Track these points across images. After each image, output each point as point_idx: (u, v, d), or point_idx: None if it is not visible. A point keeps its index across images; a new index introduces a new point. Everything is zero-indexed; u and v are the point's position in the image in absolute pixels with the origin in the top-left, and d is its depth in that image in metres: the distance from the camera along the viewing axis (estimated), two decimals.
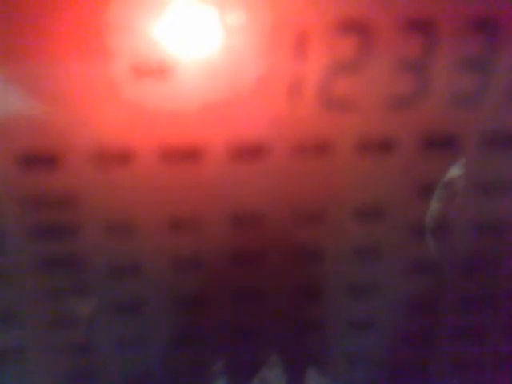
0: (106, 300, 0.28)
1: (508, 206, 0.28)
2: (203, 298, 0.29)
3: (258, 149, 0.25)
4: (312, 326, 0.31)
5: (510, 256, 0.29)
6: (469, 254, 0.29)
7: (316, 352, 0.33)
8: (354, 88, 0.24)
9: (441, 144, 0.25)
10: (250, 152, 0.25)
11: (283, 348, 0.32)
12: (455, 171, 0.28)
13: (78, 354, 0.30)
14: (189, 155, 0.25)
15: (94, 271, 0.27)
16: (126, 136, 0.25)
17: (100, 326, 0.29)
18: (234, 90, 0.24)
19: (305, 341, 0.31)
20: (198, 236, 0.27)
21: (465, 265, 0.29)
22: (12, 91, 0.24)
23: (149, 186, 0.26)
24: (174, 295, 0.29)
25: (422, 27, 0.23)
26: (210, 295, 0.29)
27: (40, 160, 0.24)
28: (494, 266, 0.29)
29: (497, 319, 0.30)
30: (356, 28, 0.23)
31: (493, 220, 0.28)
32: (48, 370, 0.30)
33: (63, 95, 0.24)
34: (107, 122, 0.25)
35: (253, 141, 0.25)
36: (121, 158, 0.25)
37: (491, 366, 0.31)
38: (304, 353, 0.32)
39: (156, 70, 0.23)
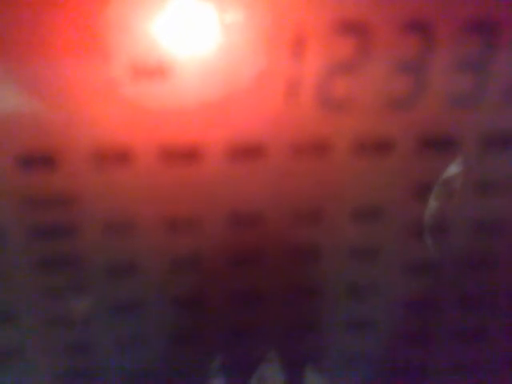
0: (105, 299, 0.28)
1: (504, 204, 0.28)
2: (201, 296, 0.29)
3: (256, 148, 0.25)
4: (310, 325, 0.31)
5: (508, 253, 0.29)
6: (467, 252, 0.29)
7: (314, 350, 0.33)
8: (352, 88, 0.24)
9: (438, 144, 0.25)
10: (248, 151, 0.25)
11: (281, 346, 0.33)
12: (453, 169, 0.28)
13: (75, 353, 0.30)
14: (187, 154, 0.25)
15: (92, 270, 0.27)
16: (125, 135, 0.25)
17: (98, 325, 0.30)
18: (233, 90, 0.24)
19: (303, 339, 0.31)
20: (196, 235, 0.27)
21: (463, 262, 0.29)
22: (11, 91, 0.24)
23: (147, 185, 0.26)
24: (172, 294, 0.29)
25: (419, 29, 0.23)
26: (209, 294, 0.29)
27: (39, 159, 0.24)
28: (492, 263, 0.29)
29: (496, 318, 0.31)
30: (354, 29, 0.23)
31: (490, 218, 0.28)
32: (44, 368, 0.30)
33: (62, 95, 0.24)
34: (106, 122, 0.25)
35: (251, 140, 0.25)
36: (119, 157, 0.25)
37: (490, 365, 0.31)
38: (302, 351, 0.33)
39: (155, 70, 0.23)
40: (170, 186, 0.26)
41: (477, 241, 0.28)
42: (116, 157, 0.24)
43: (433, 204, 0.29)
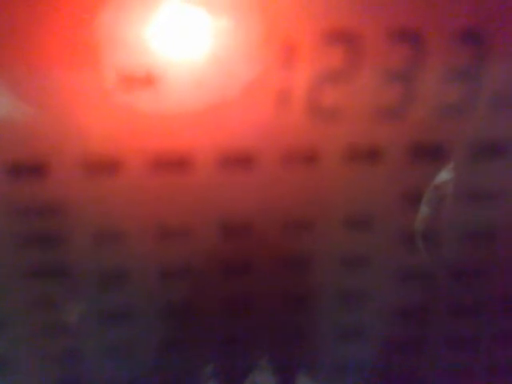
0: (97, 308, 0.28)
1: (496, 212, 0.28)
2: (194, 303, 0.29)
3: (246, 157, 0.25)
4: (302, 332, 0.31)
5: (502, 260, 0.29)
6: (459, 258, 0.29)
7: (306, 357, 0.33)
8: (342, 97, 0.24)
9: (428, 153, 0.26)
10: (238, 160, 0.25)
11: (273, 353, 0.33)
12: (444, 175, 0.28)
13: (68, 361, 0.30)
14: (178, 163, 0.25)
15: (83, 279, 0.27)
16: (115, 144, 0.25)
17: (90, 333, 0.29)
18: (223, 99, 0.24)
19: (295, 346, 0.31)
20: (188, 243, 0.27)
21: (455, 269, 0.29)
22: (1, 99, 0.24)
23: (137, 194, 0.26)
24: (164, 302, 0.29)
25: (409, 38, 0.23)
26: (200, 301, 0.29)
27: (29, 168, 0.24)
28: (484, 269, 0.29)
29: (490, 323, 0.31)
30: (344, 38, 0.23)
31: (482, 225, 0.28)
32: (36, 377, 0.30)
33: (52, 103, 0.24)
34: (96, 131, 0.25)
35: (241, 149, 0.25)
36: (110, 166, 0.24)
37: (483, 372, 0.31)
38: (294, 358, 0.33)
39: (145, 79, 0.23)
40: (161, 195, 0.26)
41: (468, 247, 0.29)
42: (107, 166, 0.24)
43: (424, 210, 0.29)
